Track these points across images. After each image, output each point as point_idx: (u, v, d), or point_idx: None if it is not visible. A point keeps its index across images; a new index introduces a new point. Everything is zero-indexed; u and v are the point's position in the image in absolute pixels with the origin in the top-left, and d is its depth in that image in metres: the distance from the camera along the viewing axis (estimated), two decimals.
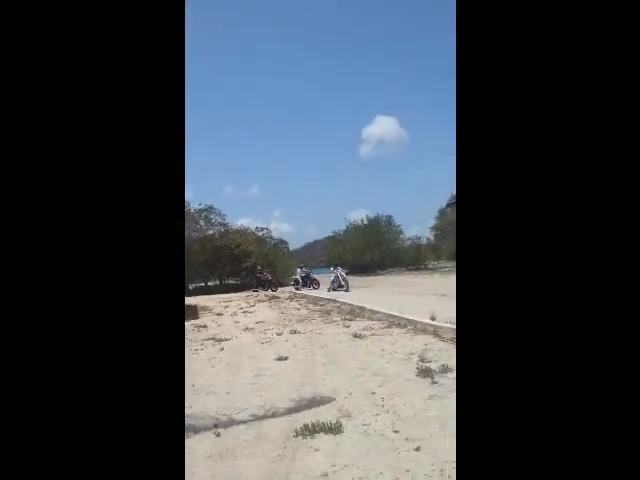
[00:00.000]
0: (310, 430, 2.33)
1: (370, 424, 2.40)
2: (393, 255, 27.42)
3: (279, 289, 15.90)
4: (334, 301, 9.70)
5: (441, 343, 4.38)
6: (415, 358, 3.82)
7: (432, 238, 37.74)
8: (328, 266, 29.89)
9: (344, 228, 29.49)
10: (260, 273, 16.63)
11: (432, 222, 40.04)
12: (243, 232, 20.80)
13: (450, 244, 32.89)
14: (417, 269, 25.78)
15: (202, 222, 19.52)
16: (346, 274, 26.12)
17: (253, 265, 18.07)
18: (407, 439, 2.16)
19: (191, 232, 17.62)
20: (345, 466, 1.93)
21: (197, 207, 19.35)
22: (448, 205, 44.17)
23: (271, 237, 25.17)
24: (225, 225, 20.31)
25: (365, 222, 28.67)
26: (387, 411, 2.60)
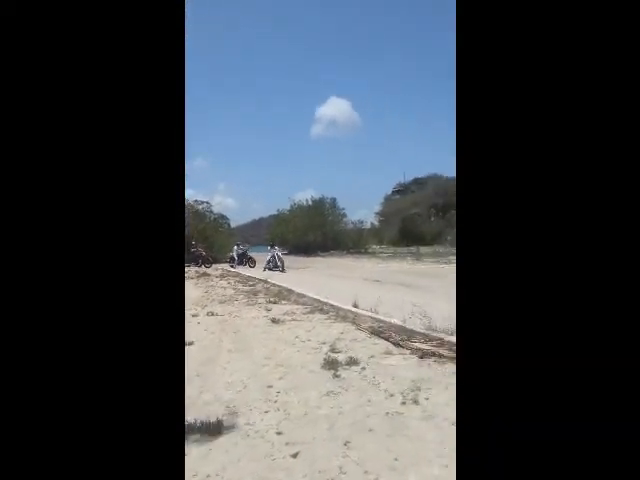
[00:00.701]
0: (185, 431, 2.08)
1: (254, 424, 2.20)
2: (335, 237, 27.64)
3: (213, 266, 15.36)
4: (265, 281, 9.46)
5: (357, 332, 4.29)
6: (325, 348, 3.69)
7: (376, 223, 38.63)
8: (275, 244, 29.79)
9: (288, 207, 29.19)
10: (194, 248, 15.93)
11: (378, 208, 40.97)
12: None
13: (392, 230, 34.11)
14: (358, 252, 26.23)
15: None
16: (287, 254, 26.18)
17: (187, 239, 17.24)
18: (288, 443, 1.99)
19: None
20: (207, 477, 1.72)
21: None
22: (394, 192, 45.60)
23: (211, 211, 24.19)
24: None
25: (310, 203, 28.55)
26: (278, 408, 2.41)
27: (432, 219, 31.89)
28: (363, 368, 3.10)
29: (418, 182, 41.18)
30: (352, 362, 3.22)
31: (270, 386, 2.78)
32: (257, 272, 12.96)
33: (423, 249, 25.41)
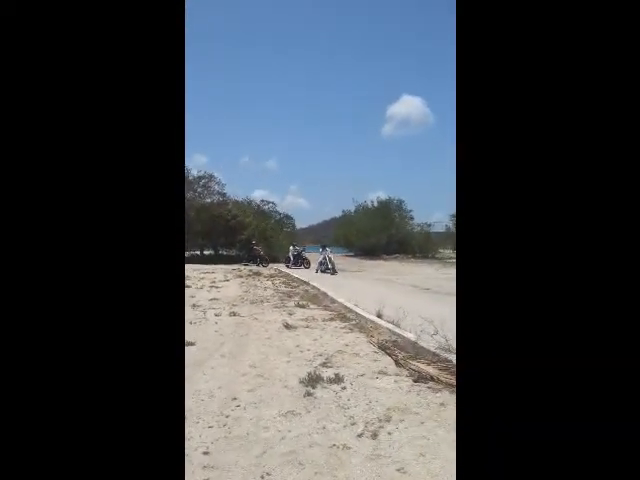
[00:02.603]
0: None
1: (190, 439, 2.07)
2: (401, 240, 26.75)
3: (270, 265, 15.67)
4: (307, 284, 9.38)
5: (364, 345, 4.00)
6: (319, 361, 3.46)
7: (451, 226, 36.85)
8: (340, 245, 29.62)
9: (353, 209, 28.89)
10: (253, 247, 16.38)
11: (453, 209, 39.01)
12: (241, 204, 20.47)
13: None
14: (424, 257, 25.16)
15: (200, 190, 19.20)
16: (352, 256, 25.91)
17: (248, 238, 17.80)
18: (206, 466, 1.83)
19: (187, 199, 17.38)
20: None
21: (196, 174, 19.05)
22: None
23: (276, 211, 24.88)
24: (223, 195, 19.96)
25: (375, 204, 27.99)
26: (225, 424, 2.27)
27: None
28: (343, 388, 2.84)
29: None
30: (336, 380, 2.96)
31: (235, 398, 2.64)
32: (309, 273, 12.95)
33: None
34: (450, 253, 28.95)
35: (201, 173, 19.45)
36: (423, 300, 7.62)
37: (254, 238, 17.69)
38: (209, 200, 19.39)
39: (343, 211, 30.01)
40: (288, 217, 25.44)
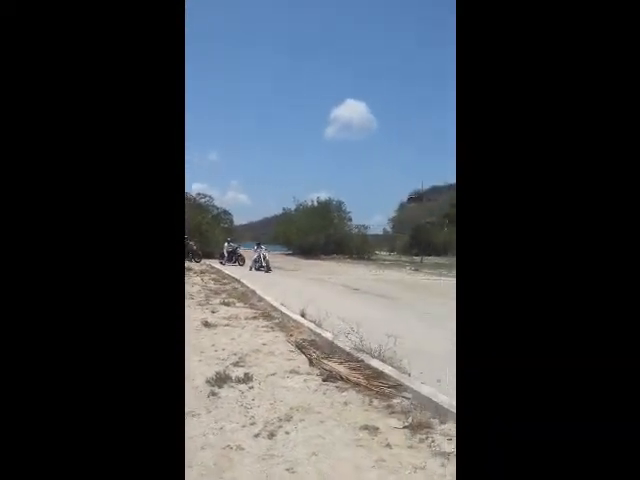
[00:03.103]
0: None
1: None
2: (339, 241, 27.18)
3: (203, 261, 15.19)
4: (238, 281, 9.21)
5: (282, 344, 3.98)
6: (232, 360, 3.39)
7: (389, 230, 38.01)
8: (279, 243, 29.40)
9: (294, 207, 28.90)
10: (185, 242, 15.78)
11: (393, 214, 40.30)
12: None
13: (404, 238, 33.40)
14: (360, 258, 25.77)
15: None
16: (290, 254, 25.84)
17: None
18: None
19: None
20: None
21: None
22: (409, 199, 44.86)
23: (214, 206, 24.19)
24: None
25: (315, 204, 28.20)
26: None
27: (445, 229, 31.07)
28: (251, 388, 2.80)
29: (436, 190, 40.48)
30: (244, 380, 2.91)
31: None
32: (242, 271, 12.71)
33: (429, 259, 24.79)
34: (386, 255, 29.93)
35: None
36: (350, 300, 7.78)
37: (187, 232, 17.03)
38: None
39: (284, 209, 29.93)
40: (226, 212, 24.83)
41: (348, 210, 28.72)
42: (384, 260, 24.92)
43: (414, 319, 5.98)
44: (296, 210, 28.70)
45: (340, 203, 28.77)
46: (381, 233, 33.71)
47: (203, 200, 22.85)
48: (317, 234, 25.77)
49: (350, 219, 28.76)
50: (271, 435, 2.13)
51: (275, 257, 21.08)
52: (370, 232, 29.79)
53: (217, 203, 24.13)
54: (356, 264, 20.81)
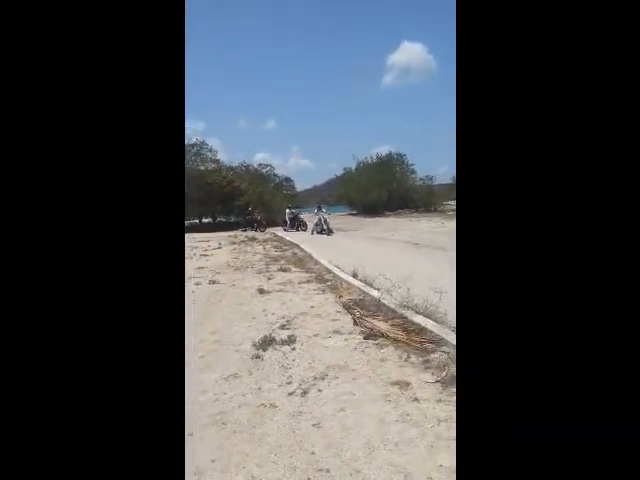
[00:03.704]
0: None
1: None
2: (404, 195, 26.48)
3: (268, 229, 15.74)
4: (297, 246, 9.46)
5: (328, 306, 4.08)
6: (279, 324, 3.56)
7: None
8: (343, 204, 29.42)
9: (354, 166, 28.48)
10: (249, 213, 16.41)
11: None
12: (237, 169, 20.27)
13: None
14: (427, 210, 24.97)
15: (193, 158, 19.00)
16: (354, 214, 25.78)
17: (245, 204, 17.79)
18: None
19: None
20: None
21: (188, 142, 18.80)
22: None
23: (275, 174, 24.66)
24: (217, 161, 19.77)
25: (375, 160, 27.52)
26: None
27: None
28: (293, 349, 2.93)
29: None
30: (288, 341, 3.06)
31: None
32: (303, 235, 13.01)
33: None
34: (454, 205, 28.62)
35: (192, 141, 19.21)
36: (409, 256, 7.65)
37: (251, 203, 17.67)
38: (202, 168, 19.24)
39: (344, 169, 29.62)
40: (288, 179, 25.24)
41: (411, 162, 27.67)
42: (450, 210, 23.89)
43: None
44: (356, 169, 28.29)
45: (401, 156, 27.80)
46: (449, 182, 32.05)
47: (264, 170, 23.37)
48: (379, 191, 25.29)
49: (414, 171, 27.75)
50: (304, 393, 2.24)
51: (338, 218, 21.21)
52: (437, 182, 28.52)
53: (280, 171, 24.74)
54: (421, 217, 20.23)
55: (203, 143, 19.48)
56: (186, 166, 18.34)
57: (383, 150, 34.98)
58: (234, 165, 21.21)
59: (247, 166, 22.67)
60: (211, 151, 19.95)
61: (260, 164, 23.17)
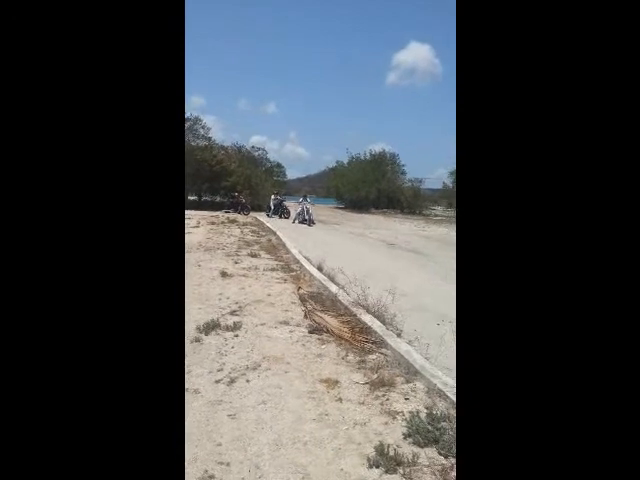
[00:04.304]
0: None
1: None
2: (392, 195, 26.50)
3: (251, 214, 15.60)
4: (274, 234, 9.39)
5: (285, 296, 4.06)
6: (229, 310, 3.52)
7: (450, 184, 36.39)
8: (333, 197, 29.30)
9: (347, 160, 28.35)
10: (234, 195, 16.23)
11: (454, 166, 38.13)
12: (229, 149, 20.00)
13: None
14: (412, 213, 25.06)
15: (185, 133, 18.69)
16: (342, 208, 25.73)
17: (232, 185, 17.58)
18: None
19: None
20: None
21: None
22: None
23: (267, 159, 24.41)
24: (209, 139, 19.48)
25: (368, 157, 27.44)
26: None
27: None
28: (236, 336, 2.90)
29: None
30: (233, 328, 3.02)
31: None
32: (285, 223, 12.93)
33: None
34: (440, 211, 28.74)
35: (186, 115, 18.84)
36: (379, 254, 7.67)
37: (238, 185, 17.47)
38: (193, 144, 18.91)
39: (337, 162, 29.49)
40: (279, 165, 25.03)
41: (403, 163, 27.68)
42: (435, 216, 24.03)
43: (433, 275, 5.79)
44: (349, 163, 28.17)
45: (394, 155, 27.78)
46: (440, 187, 32.11)
47: (257, 153, 23.11)
48: (368, 188, 25.26)
49: (404, 172, 27.77)
50: (231, 382, 2.21)
51: (324, 210, 21.14)
52: (427, 186, 28.61)
53: (275, 156, 24.64)
54: (405, 219, 20.30)
55: (197, 119, 19.18)
56: None
57: (378, 147, 34.75)
58: (226, 145, 20.90)
59: (240, 147, 22.43)
60: (204, 128, 19.66)
61: (253, 147, 22.94)
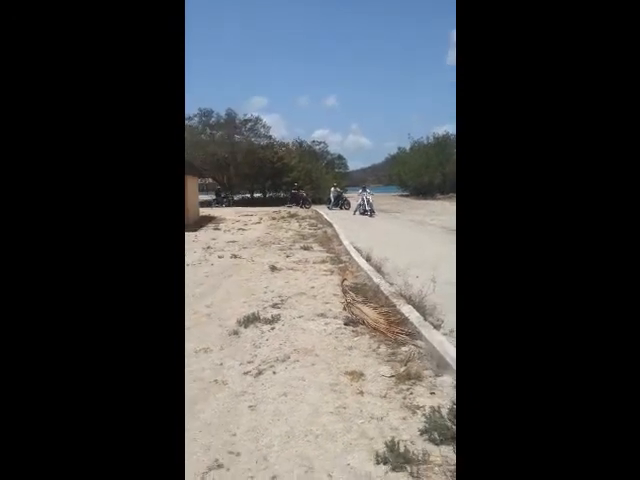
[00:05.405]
0: None
1: None
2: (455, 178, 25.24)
3: (312, 207, 15.81)
4: (330, 226, 9.42)
5: (329, 287, 4.07)
6: (271, 303, 3.60)
7: None
8: (396, 184, 28.69)
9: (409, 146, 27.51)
10: (295, 190, 16.54)
11: None
12: (290, 145, 20.40)
13: None
14: None
15: (246, 133, 19.40)
16: (406, 196, 25.08)
17: (293, 180, 17.94)
18: None
19: (236, 141, 17.80)
20: None
21: (243, 118, 19.22)
22: None
23: (328, 152, 24.53)
24: (269, 137, 20.04)
25: (431, 140, 26.37)
26: None
27: None
28: (272, 328, 2.97)
29: None
30: (271, 321, 3.10)
31: None
32: (345, 215, 12.92)
33: None
34: None
35: (247, 116, 19.58)
36: (437, 242, 7.35)
37: (299, 180, 17.79)
38: (256, 143, 19.62)
39: (399, 148, 28.73)
40: (340, 157, 25.06)
41: None
42: None
43: None
44: (411, 149, 27.31)
45: None
46: None
47: (318, 147, 23.36)
48: (432, 173, 24.29)
49: None
50: (258, 374, 2.27)
51: (386, 199, 20.76)
52: None
53: (338, 148, 24.81)
54: None
55: (257, 119, 19.90)
56: (239, 141, 18.89)
57: (442, 131, 33.16)
58: (288, 141, 21.42)
59: (301, 143, 22.78)
60: (264, 127, 20.31)
61: (314, 141, 23.19)
